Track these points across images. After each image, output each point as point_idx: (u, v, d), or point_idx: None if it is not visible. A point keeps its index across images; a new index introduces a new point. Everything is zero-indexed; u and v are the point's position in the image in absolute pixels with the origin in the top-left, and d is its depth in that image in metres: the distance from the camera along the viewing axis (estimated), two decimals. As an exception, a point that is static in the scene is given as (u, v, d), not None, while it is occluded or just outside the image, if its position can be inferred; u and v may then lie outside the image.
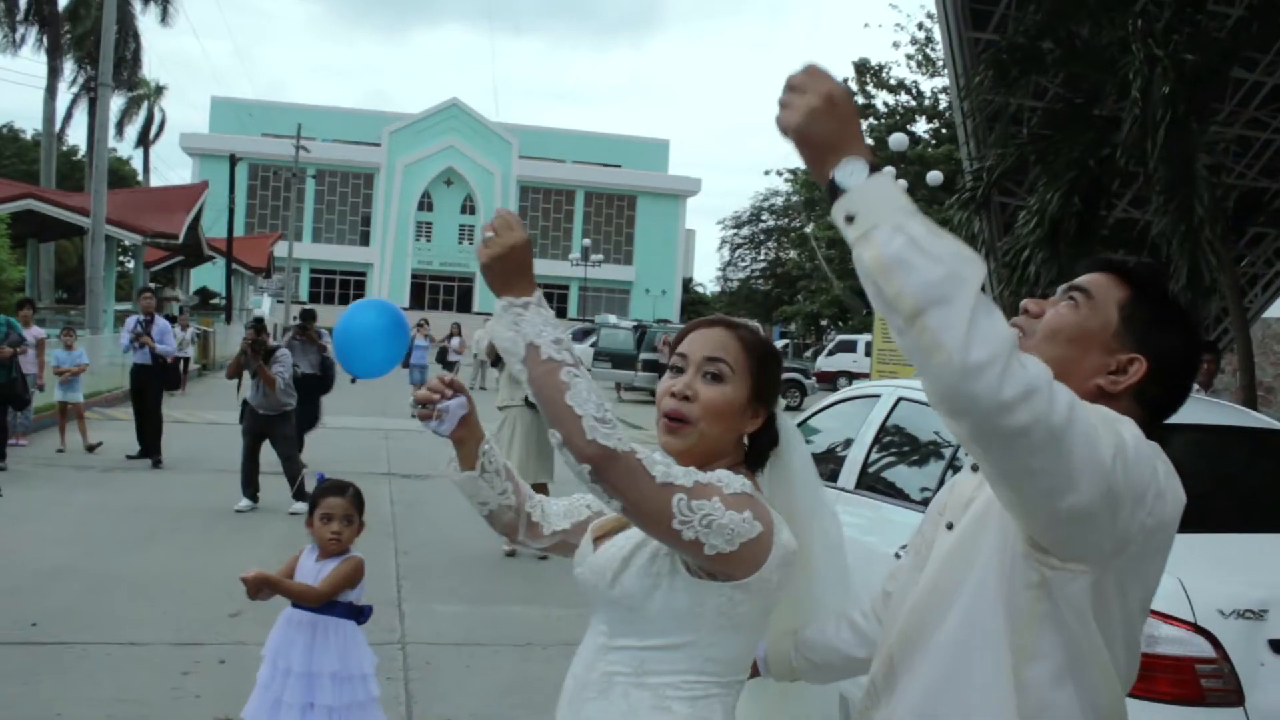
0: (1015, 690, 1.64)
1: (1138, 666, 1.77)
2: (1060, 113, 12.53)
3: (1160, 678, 3.18)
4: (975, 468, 1.83)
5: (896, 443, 5.61)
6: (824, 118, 1.51)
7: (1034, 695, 1.64)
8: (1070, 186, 11.28)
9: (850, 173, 1.48)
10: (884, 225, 1.44)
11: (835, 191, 1.49)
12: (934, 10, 15.56)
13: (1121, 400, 1.73)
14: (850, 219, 1.47)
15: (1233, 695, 3.22)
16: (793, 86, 1.54)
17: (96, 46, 39.80)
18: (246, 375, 10.46)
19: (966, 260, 1.43)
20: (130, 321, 12.50)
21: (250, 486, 10.37)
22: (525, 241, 1.81)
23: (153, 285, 19.82)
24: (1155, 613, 3.21)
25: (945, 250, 1.42)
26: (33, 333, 13.29)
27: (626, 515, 1.71)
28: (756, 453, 1.96)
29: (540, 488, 9.27)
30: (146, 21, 36.61)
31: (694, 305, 75.71)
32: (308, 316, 13.41)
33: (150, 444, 12.15)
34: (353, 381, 5.07)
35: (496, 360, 9.52)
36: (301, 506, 10.06)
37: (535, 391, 1.71)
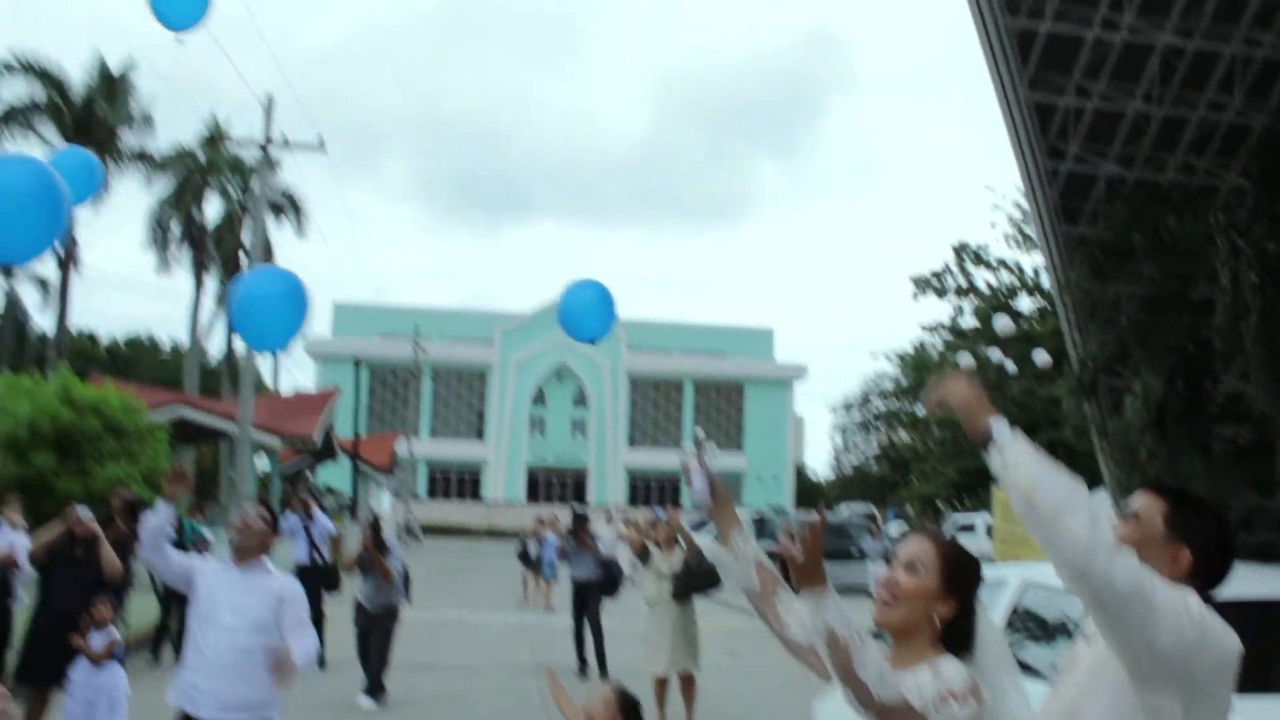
0: None
1: None
2: (1156, 299, 13.14)
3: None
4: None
5: (1026, 624, 6.11)
6: (975, 399, 2.54)
7: None
8: (1171, 370, 11.79)
9: (1000, 429, 2.47)
10: (1024, 460, 2.40)
11: (990, 439, 2.47)
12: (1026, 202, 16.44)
13: (1180, 582, 2.52)
14: (1001, 457, 2.43)
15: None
16: (948, 380, 2.62)
17: (237, 263, 43.11)
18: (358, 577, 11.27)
19: (1078, 483, 2.39)
20: (291, 520, 13.43)
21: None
22: (820, 549, 2.59)
23: (316, 489, 20.87)
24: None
25: (1066, 476, 2.38)
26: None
27: None
28: (956, 633, 2.63)
29: (687, 677, 9.82)
30: (281, 235, 40.09)
31: (807, 492, 75.54)
32: (581, 521, 13.74)
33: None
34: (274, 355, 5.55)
35: (644, 557, 10.27)
36: (370, 705, 10.59)
37: (832, 661, 2.46)
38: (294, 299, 6.22)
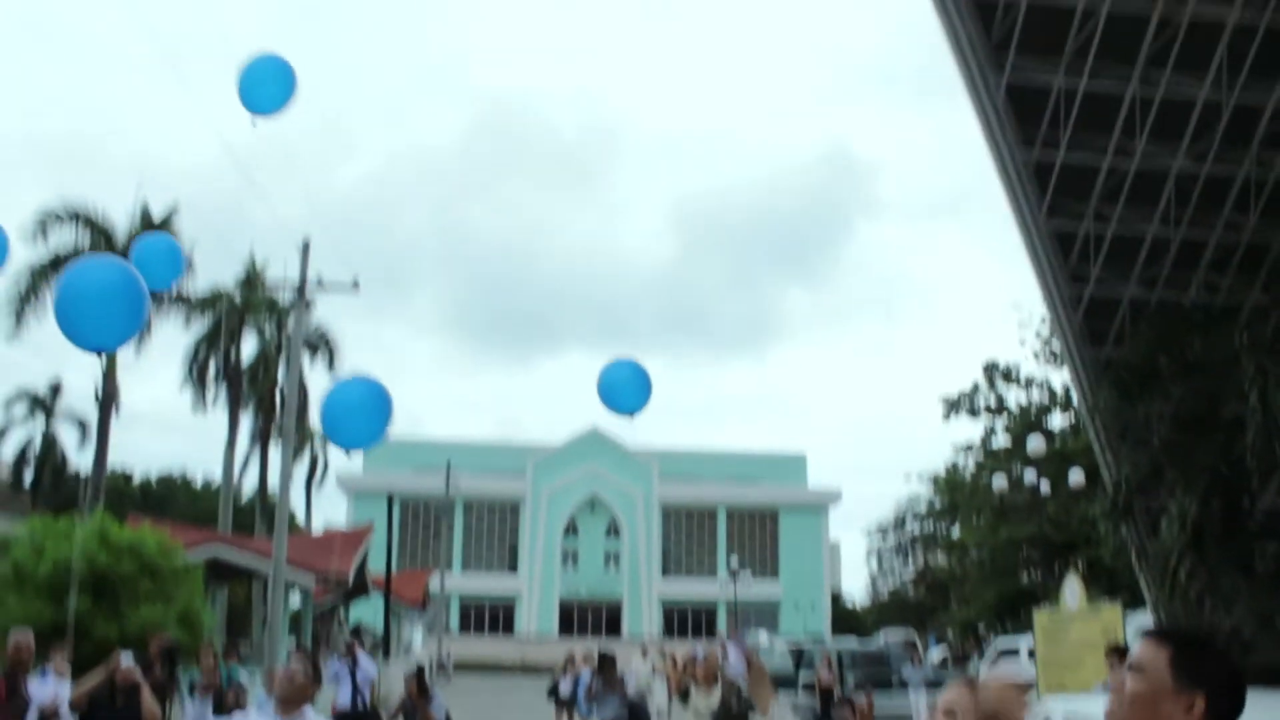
0: None
1: None
2: (1186, 418, 13.14)
3: None
4: None
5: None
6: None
7: None
8: (1207, 489, 11.73)
9: None
10: None
11: None
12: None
13: None
14: None
15: None
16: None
17: (272, 401, 43.62)
18: None
19: None
20: (334, 664, 13.40)
21: None
22: None
23: (349, 626, 20.79)
24: None
25: None
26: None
27: None
28: None
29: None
30: (314, 372, 40.33)
31: (845, 619, 74.20)
32: (607, 662, 13.52)
33: None
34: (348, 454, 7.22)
35: (684, 696, 10.26)
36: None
37: None
38: (379, 403, 7.20)
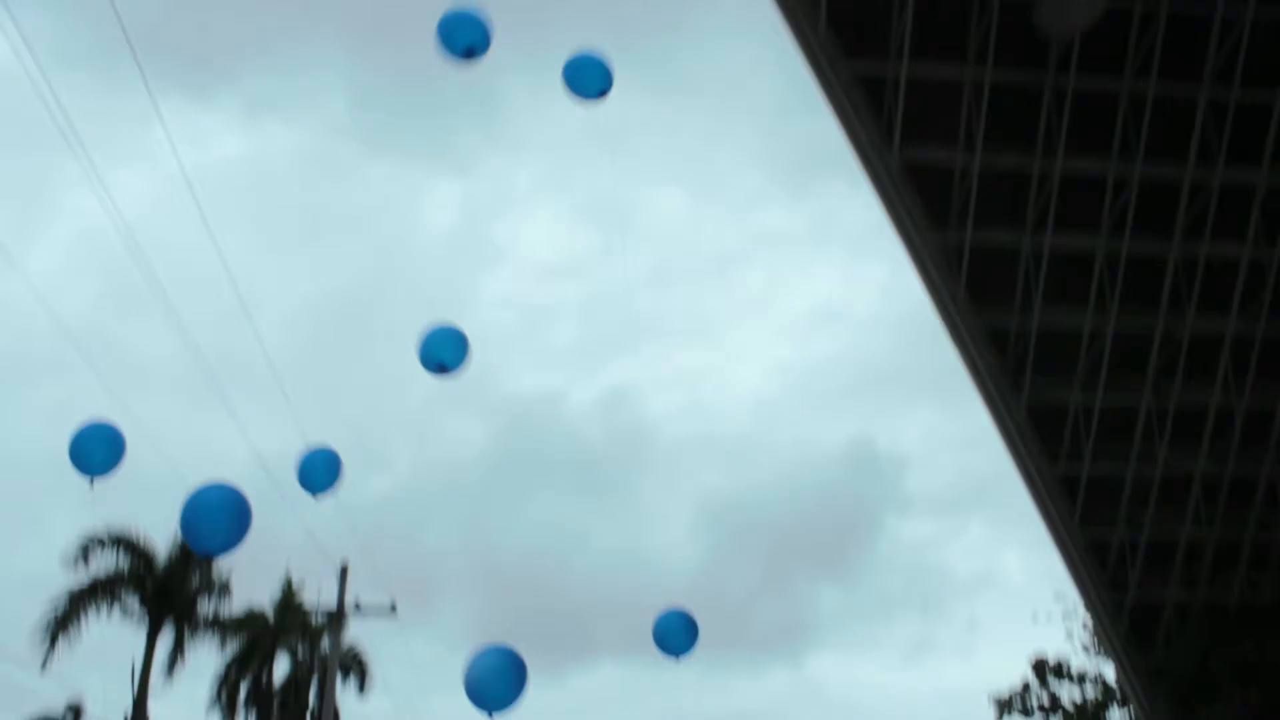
0: None
1: None
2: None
3: None
4: None
5: None
6: None
7: None
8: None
9: None
10: None
11: None
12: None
13: None
14: None
15: None
16: None
17: (302, 723, 42.19)
18: None
19: None
20: None
21: None
22: None
23: None
24: None
25: None
26: None
27: None
28: None
29: None
30: (345, 691, 39.16)
31: None
32: None
33: None
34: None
35: None
36: None
37: None
38: (519, 669, 8.70)
